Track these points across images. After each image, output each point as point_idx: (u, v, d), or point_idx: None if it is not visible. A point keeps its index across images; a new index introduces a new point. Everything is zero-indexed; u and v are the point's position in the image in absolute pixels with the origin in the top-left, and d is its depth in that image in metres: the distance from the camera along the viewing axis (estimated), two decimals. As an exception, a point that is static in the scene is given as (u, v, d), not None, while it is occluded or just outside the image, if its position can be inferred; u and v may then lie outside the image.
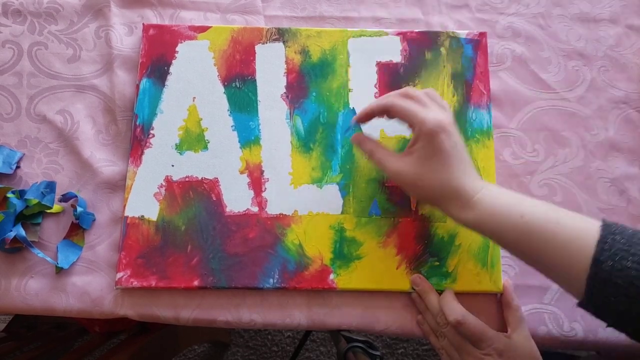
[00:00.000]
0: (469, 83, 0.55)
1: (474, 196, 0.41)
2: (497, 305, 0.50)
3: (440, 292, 0.49)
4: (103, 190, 0.52)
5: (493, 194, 0.41)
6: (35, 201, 0.49)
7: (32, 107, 0.55)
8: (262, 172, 0.52)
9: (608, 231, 0.36)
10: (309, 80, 0.55)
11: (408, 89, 0.45)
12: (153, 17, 0.58)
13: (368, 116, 0.47)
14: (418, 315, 0.50)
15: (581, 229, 0.37)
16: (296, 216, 0.51)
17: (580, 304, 0.37)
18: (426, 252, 0.50)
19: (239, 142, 0.53)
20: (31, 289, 0.49)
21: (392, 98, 0.45)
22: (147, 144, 0.52)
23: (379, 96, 0.54)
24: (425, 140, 0.41)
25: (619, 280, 0.34)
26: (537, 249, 0.39)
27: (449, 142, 0.41)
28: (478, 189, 0.41)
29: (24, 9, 0.57)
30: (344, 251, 0.50)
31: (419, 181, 0.42)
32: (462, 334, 0.46)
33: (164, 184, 0.51)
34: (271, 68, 0.55)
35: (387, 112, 0.45)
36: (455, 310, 0.46)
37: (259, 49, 0.55)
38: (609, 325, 0.37)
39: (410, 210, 0.52)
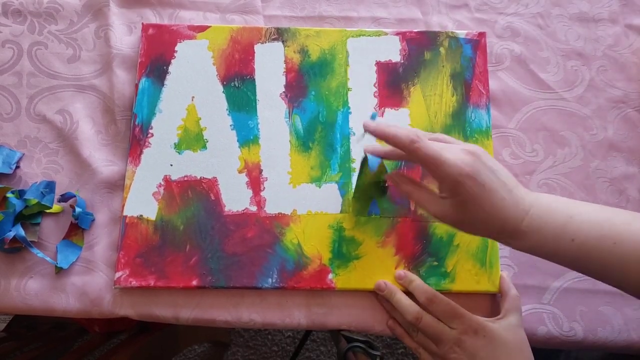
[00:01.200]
0: (468, 83, 0.55)
1: (520, 225, 0.39)
2: (496, 305, 0.50)
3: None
4: (102, 190, 0.52)
5: (540, 219, 0.38)
6: (34, 201, 0.49)
7: (32, 107, 0.55)
8: (260, 171, 0.52)
9: None
10: (308, 79, 0.55)
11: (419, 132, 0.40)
12: (152, 16, 0.58)
13: (383, 137, 0.42)
14: (388, 321, 0.49)
15: None
16: (295, 215, 0.51)
17: None
18: (425, 252, 0.50)
19: (238, 141, 0.53)
20: (31, 289, 0.49)
21: (415, 138, 0.39)
22: (146, 143, 0.52)
23: (378, 95, 0.54)
24: (453, 191, 0.39)
25: None
26: (597, 271, 0.38)
27: (477, 187, 0.38)
28: (523, 216, 0.38)
29: (24, 9, 0.58)
30: (342, 251, 0.50)
31: (463, 224, 0.41)
32: (435, 314, 0.46)
33: (162, 183, 0.51)
34: (270, 67, 0.55)
35: (406, 150, 0.40)
36: (426, 290, 0.47)
37: (258, 48, 0.55)
38: None
39: (409, 209, 0.52)
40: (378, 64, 0.55)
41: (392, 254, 0.50)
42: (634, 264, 0.36)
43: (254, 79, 0.55)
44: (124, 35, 0.57)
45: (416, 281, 0.49)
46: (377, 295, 0.50)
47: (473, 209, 0.39)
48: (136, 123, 0.53)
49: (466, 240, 0.51)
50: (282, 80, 0.55)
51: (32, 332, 0.82)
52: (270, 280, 0.49)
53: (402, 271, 0.50)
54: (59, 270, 0.50)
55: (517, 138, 0.55)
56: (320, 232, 0.51)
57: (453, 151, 0.39)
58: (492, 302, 0.50)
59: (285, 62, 0.55)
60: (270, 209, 0.51)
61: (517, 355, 0.44)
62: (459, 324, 0.45)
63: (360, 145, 0.52)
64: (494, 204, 0.38)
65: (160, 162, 0.52)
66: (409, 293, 0.49)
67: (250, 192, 0.52)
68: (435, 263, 0.50)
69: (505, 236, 0.40)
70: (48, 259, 0.49)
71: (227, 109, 0.54)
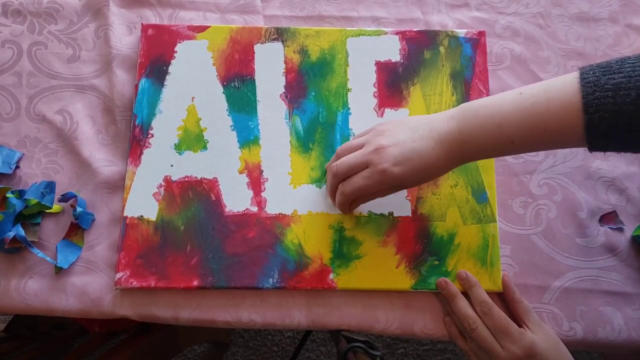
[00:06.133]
0: (468, 82, 0.55)
1: None
2: (496, 304, 0.50)
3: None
4: (103, 190, 0.52)
5: None
6: (34, 201, 0.49)
7: (32, 107, 0.55)
8: (261, 171, 0.52)
9: (584, 73, 0.39)
10: (308, 79, 0.55)
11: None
12: (152, 17, 0.58)
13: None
14: (445, 317, 0.50)
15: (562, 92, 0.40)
16: (295, 216, 0.51)
17: (591, 148, 0.39)
18: (426, 251, 0.50)
19: (238, 142, 0.53)
20: (30, 289, 0.49)
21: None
22: (146, 144, 0.52)
23: (378, 95, 0.54)
24: None
25: (608, 94, 0.36)
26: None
27: None
28: None
29: (24, 9, 0.58)
30: (343, 251, 0.50)
31: None
32: (487, 326, 0.46)
33: (163, 184, 0.51)
34: (270, 68, 0.55)
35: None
36: (482, 300, 0.47)
37: (257, 48, 0.55)
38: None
39: (409, 209, 0.52)
40: (377, 63, 0.55)
41: (393, 253, 0.50)
42: (559, 109, 0.39)
43: (254, 80, 0.55)
44: (124, 35, 0.57)
45: (476, 287, 0.48)
46: (438, 294, 0.50)
47: None
48: (136, 123, 0.53)
49: (467, 240, 0.51)
50: (282, 81, 0.55)
51: (32, 332, 0.82)
52: (271, 280, 0.49)
53: (463, 271, 0.49)
54: (58, 270, 0.50)
55: (517, 138, 0.55)
56: (320, 232, 0.51)
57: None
58: (494, 301, 0.50)
59: (285, 62, 0.55)
60: (271, 209, 0.51)
61: None
62: (510, 343, 0.44)
63: None
64: None
65: (161, 162, 0.52)
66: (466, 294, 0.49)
67: (250, 193, 0.52)
68: (436, 262, 0.50)
69: None
70: (48, 259, 0.49)
71: (227, 110, 0.54)
